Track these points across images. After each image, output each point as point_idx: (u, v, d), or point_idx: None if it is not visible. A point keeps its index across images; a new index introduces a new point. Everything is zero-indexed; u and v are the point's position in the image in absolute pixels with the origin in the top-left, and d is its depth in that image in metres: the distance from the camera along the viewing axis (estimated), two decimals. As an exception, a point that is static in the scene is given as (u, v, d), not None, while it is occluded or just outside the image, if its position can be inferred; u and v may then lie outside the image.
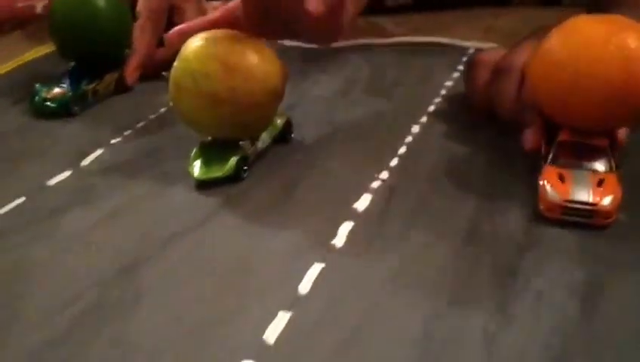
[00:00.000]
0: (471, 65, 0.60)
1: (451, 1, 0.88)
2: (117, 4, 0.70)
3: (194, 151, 0.54)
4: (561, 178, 0.46)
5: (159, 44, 0.72)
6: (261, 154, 0.55)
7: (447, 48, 0.77)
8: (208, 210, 0.50)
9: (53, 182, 0.55)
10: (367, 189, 0.50)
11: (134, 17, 0.73)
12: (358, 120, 0.62)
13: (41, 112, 0.66)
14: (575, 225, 0.45)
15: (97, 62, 0.70)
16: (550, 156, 0.47)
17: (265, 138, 0.56)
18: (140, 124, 0.64)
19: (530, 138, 0.50)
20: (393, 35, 0.81)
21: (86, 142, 0.61)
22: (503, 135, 0.55)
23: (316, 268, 0.42)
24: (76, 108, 0.67)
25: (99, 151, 0.59)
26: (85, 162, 0.57)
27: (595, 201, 0.44)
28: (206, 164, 0.53)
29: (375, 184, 0.51)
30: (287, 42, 0.67)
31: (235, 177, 0.52)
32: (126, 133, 0.62)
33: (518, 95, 0.52)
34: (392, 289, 0.40)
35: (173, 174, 0.54)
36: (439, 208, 0.48)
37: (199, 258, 0.44)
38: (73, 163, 0.57)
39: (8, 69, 0.81)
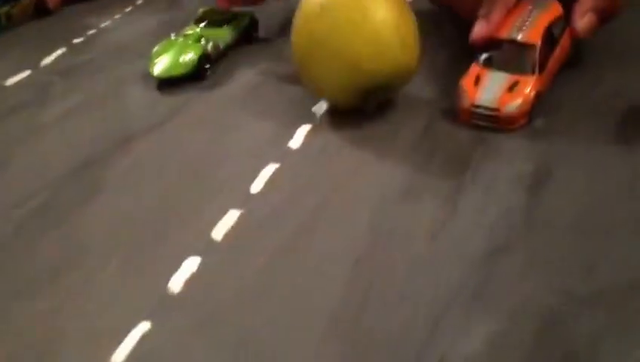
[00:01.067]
0: None
1: None
2: None
3: (154, 49, 0.53)
4: (477, 80, 0.45)
5: None
6: (224, 54, 0.54)
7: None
8: (168, 109, 0.49)
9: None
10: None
11: None
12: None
13: None
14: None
15: None
16: (480, 55, 0.46)
17: (227, 36, 0.55)
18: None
19: (476, 29, 0.47)
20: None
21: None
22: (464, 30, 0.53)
23: (270, 168, 0.42)
24: None
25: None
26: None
27: (497, 107, 0.43)
28: (167, 62, 0.52)
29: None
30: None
31: (196, 76, 0.52)
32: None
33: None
34: (345, 185, 0.40)
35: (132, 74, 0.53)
36: (397, 107, 0.48)
37: (156, 157, 0.44)
38: None
39: None
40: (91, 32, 0.62)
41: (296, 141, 0.45)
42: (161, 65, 0.52)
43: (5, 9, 0.62)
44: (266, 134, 0.46)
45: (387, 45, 0.43)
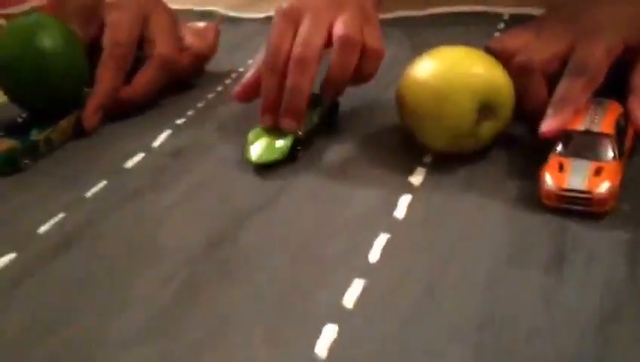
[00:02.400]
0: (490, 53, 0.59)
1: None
2: (67, 40, 0.63)
3: (248, 137, 0.58)
4: (561, 167, 0.48)
5: (126, 81, 0.67)
6: (310, 136, 0.60)
7: (482, 15, 0.80)
8: (272, 189, 0.54)
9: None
10: (420, 163, 0.55)
11: (97, 50, 0.66)
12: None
13: None
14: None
15: (51, 108, 0.64)
16: (556, 146, 0.50)
17: (314, 120, 0.60)
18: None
19: (547, 123, 0.51)
20: (427, 6, 0.84)
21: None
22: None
23: (383, 238, 0.47)
24: (26, 161, 0.60)
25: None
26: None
27: (589, 189, 0.47)
28: (262, 148, 0.57)
29: (427, 158, 0.55)
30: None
31: (290, 159, 0.57)
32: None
33: (543, 97, 0.54)
34: (455, 254, 0.45)
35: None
36: (488, 174, 0.52)
37: (273, 233, 0.49)
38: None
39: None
40: (190, 112, 0.67)
41: (400, 211, 0.50)
42: (257, 152, 0.57)
43: (44, 134, 0.62)
44: (369, 206, 0.51)
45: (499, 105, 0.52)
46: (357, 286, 0.43)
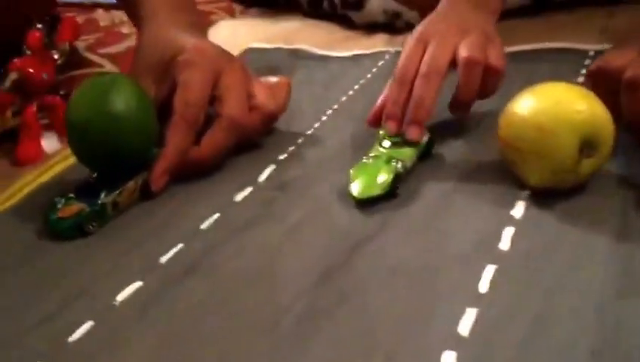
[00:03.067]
0: (593, 75, 0.62)
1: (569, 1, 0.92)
2: (140, 102, 0.62)
3: (351, 173, 0.61)
4: None
5: (196, 141, 0.65)
6: (409, 171, 0.62)
7: (568, 52, 0.82)
8: (376, 223, 0.57)
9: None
10: (519, 197, 0.57)
11: (168, 108, 0.65)
12: (496, 130, 0.69)
13: (55, 234, 0.59)
14: None
15: (119, 170, 0.63)
16: None
17: (413, 156, 0.63)
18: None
19: None
20: (512, 43, 0.86)
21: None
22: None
23: (490, 269, 0.49)
24: (92, 226, 0.59)
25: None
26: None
27: None
28: (365, 183, 0.60)
29: (526, 192, 0.57)
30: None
31: (390, 194, 0.60)
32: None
33: None
34: (562, 284, 0.47)
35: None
36: (589, 208, 0.54)
37: (383, 264, 0.52)
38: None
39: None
40: (291, 148, 0.71)
41: (504, 243, 0.52)
42: (358, 188, 0.60)
43: (111, 198, 0.61)
44: (474, 238, 0.53)
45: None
46: (470, 315, 0.46)
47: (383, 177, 0.60)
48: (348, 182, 0.61)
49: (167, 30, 0.70)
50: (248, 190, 0.65)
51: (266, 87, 0.70)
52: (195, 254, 0.56)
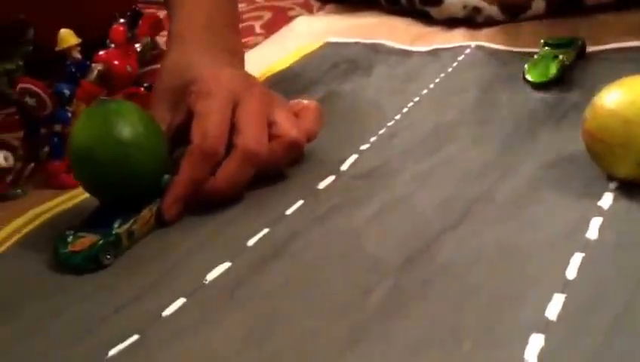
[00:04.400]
0: None
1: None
2: (147, 128, 0.59)
3: (525, 67, 0.77)
4: None
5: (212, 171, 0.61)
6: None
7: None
8: (460, 210, 0.57)
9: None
10: (606, 189, 0.57)
11: (185, 137, 0.62)
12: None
13: (67, 268, 0.55)
14: None
15: (130, 198, 0.59)
16: None
17: (571, 55, 0.79)
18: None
19: None
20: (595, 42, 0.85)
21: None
22: None
23: (578, 257, 0.49)
24: (108, 257, 0.56)
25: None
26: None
27: None
28: (537, 72, 0.76)
29: (613, 184, 0.57)
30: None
31: (559, 79, 0.75)
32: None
33: None
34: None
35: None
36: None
37: (468, 251, 0.52)
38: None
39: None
40: (373, 138, 0.72)
41: (592, 232, 0.52)
42: (534, 75, 0.76)
43: (126, 227, 0.57)
44: (561, 227, 0.53)
45: None
46: (558, 301, 0.46)
47: (553, 66, 0.75)
48: (524, 73, 0.77)
49: (189, 55, 0.68)
50: (331, 178, 0.66)
51: (291, 112, 0.66)
52: (280, 239, 0.58)
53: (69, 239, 0.56)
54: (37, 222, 0.63)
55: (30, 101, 0.64)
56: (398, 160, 0.67)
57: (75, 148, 0.58)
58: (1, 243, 0.61)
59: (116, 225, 0.57)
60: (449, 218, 0.56)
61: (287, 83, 0.88)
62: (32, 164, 0.69)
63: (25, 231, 0.62)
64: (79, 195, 0.66)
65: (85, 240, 0.55)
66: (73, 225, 0.58)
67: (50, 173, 0.68)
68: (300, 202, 0.62)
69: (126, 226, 0.57)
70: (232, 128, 0.61)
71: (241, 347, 0.47)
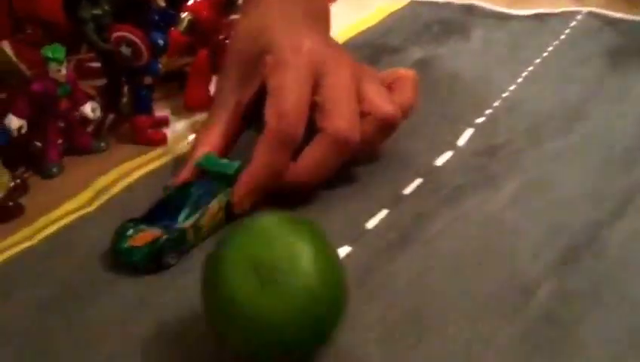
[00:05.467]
0: None
1: None
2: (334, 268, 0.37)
3: None
4: None
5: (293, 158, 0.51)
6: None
7: None
8: (620, 194, 0.50)
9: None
10: None
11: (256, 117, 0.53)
12: None
13: (126, 265, 0.47)
14: None
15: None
16: None
17: None
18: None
19: None
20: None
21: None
22: None
23: None
24: (172, 257, 0.47)
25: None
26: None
27: None
28: None
29: None
30: None
31: None
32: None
33: None
34: None
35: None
36: None
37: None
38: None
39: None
40: (488, 111, 0.64)
41: None
42: None
43: (192, 221, 0.48)
44: None
45: None
46: None
47: None
48: None
49: (265, 18, 0.56)
50: (449, 154, 0.58)
51: (384, 84, 0.56)
52: (404, 222, 0.50)
53: (130, 232, 0.47)
54: (127, 181, 0.56)
55: (126, 50, 0.56)
56: (524, 136, 0.59)
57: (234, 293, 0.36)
58: (90, 202, 0.53)
59: (181, 218, 0.48)
60: (607, 207, 0.49)
61: (370, 48, 0.79)
62: (112, 116, 0.62)
63: (115, 190, 0.55)
64: (168, 152, 0.59)
65: (147, 235, 0.47)
66: (134, 217, 0.49)
67: (136, 128, 0.60)
68: (419, 180, 0.55)
69: (192, 220, 0.48)
70: (314, 106, 0.51)
71: (375, 349, 0.39)
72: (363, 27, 0.85)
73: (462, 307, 0.42)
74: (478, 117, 0.63)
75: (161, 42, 0.57)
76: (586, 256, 0.45)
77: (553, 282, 0.43)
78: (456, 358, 0.38)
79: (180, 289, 0.44)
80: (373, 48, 0.79)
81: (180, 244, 0.47)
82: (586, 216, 0.48)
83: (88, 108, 0.58)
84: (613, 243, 0.45)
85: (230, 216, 0.50)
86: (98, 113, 0.58)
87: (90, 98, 0.58)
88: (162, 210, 0.49)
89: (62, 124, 0.57)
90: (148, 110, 0.59)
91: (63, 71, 0.55)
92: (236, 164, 0.52)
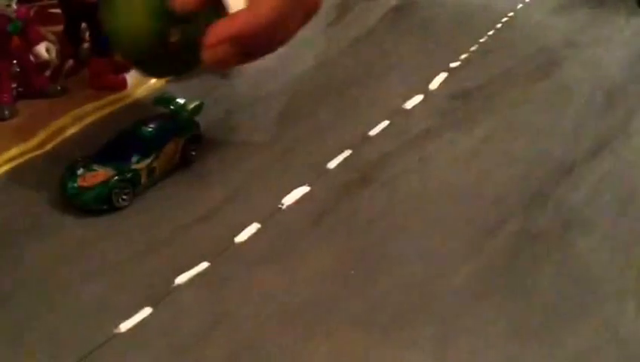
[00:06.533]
0: None
1: None
2: None
3: None
4: None
5: None
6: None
7: None
8: (596, 140, 0.48)
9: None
10: None
11: None
12: None
13: (76, 205, 0.44)
14: None
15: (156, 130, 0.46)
16: None
17: None
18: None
19: None
20: None
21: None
22: None
23: None
24: (124, 198, 0.44)
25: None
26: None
27: None
28: None
29: None
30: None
31: None
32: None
33: None
34: None
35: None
36: None
37: (615, 189, 0.43)
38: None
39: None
40: (464, 55, 0.61)
41: None
42: None
43: (146, 163, 0.46)
44: None
45: None
46: None
47: None
48: None
49: None
50: (419, 98, 0.55)
51: None
52: (366, 162, 0.48)
53: (79, 171, 0.44)
54: (82, 124, 0.52)
55: (82, -13, 0.53)
56: (499, 80, 0.57)
57: None
58: (42, 145, 0.50)
59: (134, 159, 0.45)
60: (580, 149, 0.46)
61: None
62: (71, 61, 0.58)
63: (70, 132, 0.51)
64: (126, 97, 0.56)
65: (98, 174, 0.44)
66: (86, 155, 0.46)
67: (93, 72, 0.57)
68: (385, 122, 0.52)
69: (147, 161, 0.46)
70: None
71: (330, 285, 0.37)
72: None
73: (421, 245, 0.39)
74: (453, 61, 0.60)
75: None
76: (553, 198, 0.42)
77: (517, 223, 0.40)
78: (412, 295, 0.36)
79: (126, 232, 0.41)
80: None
81: (133, 186, 0.45)
82: (559, 158, 0.46)
83: (42, 48, 0.55)
84: (583, 183, 0.43)
85: (185, 158, 0.48)
86: (53, 54, 0.55)
87: (44, 39, 0.55)
88: (115, 150, 0.46)
89: (17, 69, 0.54)
90: (107, 54, 0.56)
91: (13, 6, 0.52)
92: (196, 102, 0.49)
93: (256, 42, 0.38)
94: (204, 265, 0.38)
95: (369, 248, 0.40)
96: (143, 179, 0.45)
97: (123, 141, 0.46)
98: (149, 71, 0.41)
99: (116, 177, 0.44)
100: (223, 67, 0.39)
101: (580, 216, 0.40)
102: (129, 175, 0.44)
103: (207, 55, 0.37)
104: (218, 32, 0.36)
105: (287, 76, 0.55)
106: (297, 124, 0.51)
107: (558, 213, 0.41)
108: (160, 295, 0.36)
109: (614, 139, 0.47)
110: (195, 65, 0.38)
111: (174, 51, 0.39)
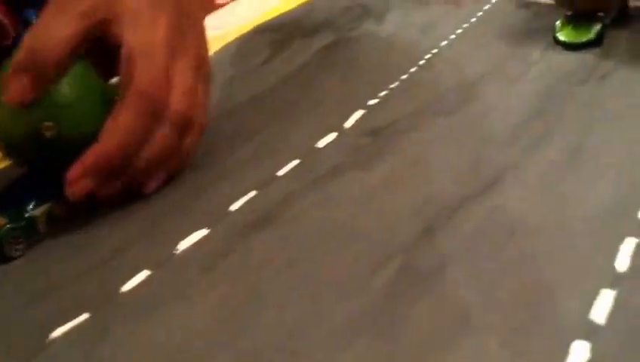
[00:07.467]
0: None
1: None
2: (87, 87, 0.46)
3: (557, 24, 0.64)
4: None
5: None
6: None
7: None
8: (488, 178, 0.48)
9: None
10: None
11: None
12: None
13: None
14: None
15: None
16: None
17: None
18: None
19: None
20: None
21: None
22: None
23: (630, 243, 0.40)
24: (18, 248, 0.43)
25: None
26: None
27: None
28: (572, 32, 0.63)
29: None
30: None
31: (598, 42, 0.62)
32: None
33: None
34: None
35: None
36: None
37: (495, 224, 0.43)
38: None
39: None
40: (383, 93, 0.62)
41: (645, 214, 0.43)
42: (567, 35, 0.63)
43: (42, 209, 0.44)
44: (610, 205, 0.44)
45: None
46: (606, 298, 0.37)
47: (593, 27, 0.62)
48: (554, 31, 0.64)
49: None
50: (332, 136, 0.56)
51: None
52: (269, 203, 0.49)
53: None
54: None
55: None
56: (411, 117, 0.58)
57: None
58: None
59: (30, 206, 0.43)
60: (473, 185, 0.47)
61: (282, 32, 0.78)
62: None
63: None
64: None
65: None
66: None
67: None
68: (295, 162, 0.53)
69: (44, 208, 0.44)
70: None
71: (216, 334, 0.38)
72: (285, 9, 0.84)
73: (304, 289, 0.40)
74: (372, 99, 0.61)
75: (34, 18, 0.55)
76: (441, 233, 0.43)
77: (402, 259, 0.41)
78: (285, 340, 0.37)
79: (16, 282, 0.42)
80: (285, 33, 0.78)
81: (28, 235, 0.43)
82: (453, 195, 0.47)
83: None
84: (470, 219, 0.44)
85: (92, 204, 0.47)
86: None
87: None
88: (11, 196, 0.45)
89: None
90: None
91: None
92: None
93: (114, 166, 0.45)
94: (84, 316, 0.39)
95: (252, 291, 0.40)
96: (41, 227, 0.44)
97: (19, 185, 0.45)
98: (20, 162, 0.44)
99: (7, 226, 0.42)
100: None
101: (459, 252, 0.41)
102: (22, 223, 0.43)
103: (69, 192, 0.42)
104: (73, 169, 0.41)
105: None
106: (206, 166, 0.53)
107: (441, 249, 0.42)
108: (33, 350, 0.37)
109: (509, 174, 0.48)
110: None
111: (50, 146, 0.42)
